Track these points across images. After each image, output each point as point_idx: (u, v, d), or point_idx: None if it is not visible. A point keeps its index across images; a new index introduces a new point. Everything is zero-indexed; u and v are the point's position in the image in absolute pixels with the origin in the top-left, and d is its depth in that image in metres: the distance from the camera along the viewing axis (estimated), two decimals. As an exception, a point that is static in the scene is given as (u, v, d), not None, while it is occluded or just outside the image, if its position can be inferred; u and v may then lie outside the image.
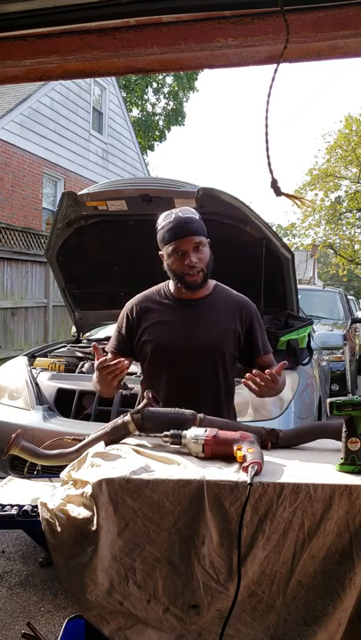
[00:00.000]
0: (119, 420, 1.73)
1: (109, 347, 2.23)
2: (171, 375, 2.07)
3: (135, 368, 3.57)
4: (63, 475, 1.57)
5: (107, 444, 1.67)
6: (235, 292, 2.22)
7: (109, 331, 4.82)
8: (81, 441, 1.75)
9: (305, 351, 3.84)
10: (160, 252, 2.10)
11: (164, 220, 2.05)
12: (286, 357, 3.31)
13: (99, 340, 4.55)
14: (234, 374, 2.20)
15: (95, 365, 1.95)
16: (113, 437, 1.71)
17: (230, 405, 2.21)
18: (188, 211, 2.06)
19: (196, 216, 2.06)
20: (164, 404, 1.89)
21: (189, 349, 2.06)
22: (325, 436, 1.76)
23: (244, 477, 1.40)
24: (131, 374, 3.49)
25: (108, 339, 4.45)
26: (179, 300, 2.13)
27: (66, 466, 1.61)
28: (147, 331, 2.12)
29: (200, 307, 2.11)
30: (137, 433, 1.73)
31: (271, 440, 1.73)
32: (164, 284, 2.21)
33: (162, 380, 2.08)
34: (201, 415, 1.72)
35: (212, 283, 2.18)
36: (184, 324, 2.10)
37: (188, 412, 1.73)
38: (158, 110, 21.36)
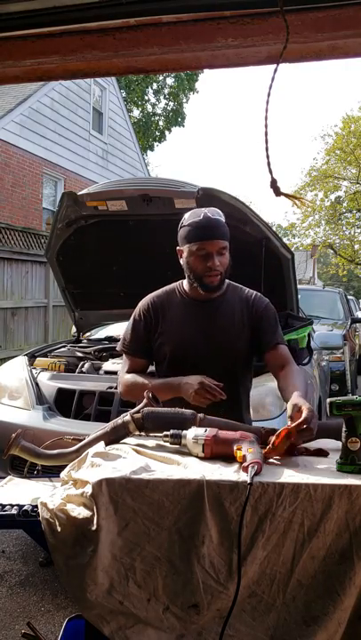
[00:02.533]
0: (119, 420, 1.73)
1: (124, 348, 2.17)
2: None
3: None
4: (63, 474, 1.57)
5: (107, 444, 1.67)
6: (247, 289, 2.20)
7: (109, 331, 4.83)
8: (81, 441, 1.75)
9: (305, 351, 3.84)
10: (179, 248, 2.07)
11: (191, 218, 2.02)
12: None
13: (99, 340, 4.56)
14: (250, 371, 2.21)
15: (199, 381, 1.88)
16: (113, 437, 1.71)
17: (248, 403, 2.21)
18: (216, 212, 2.03)
19: (223, 219, 2.04)
20: (186, 405, 1.89)
21: (209, 349, 2.06)
22: (326, 435, 1.76)
23: (244, 477, 1.41)
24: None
25: (108, 339, 4.51)
26: (194, 300, 2.11)
27: (66, 466, 1.61)
28: (165, 331, 2.10)
29: (215, 306, 2.11)
30: (137, 433, 1.73)
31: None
32: (177, 283, 2.18)
33: None
34: (201, 415, 1.72)
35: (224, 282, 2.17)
36: (202, 324, 2.09)
37: (187, 411, 1.73)
38: (158, 111, 21.38)
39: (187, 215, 2.06)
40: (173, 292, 2.17)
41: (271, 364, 2.10)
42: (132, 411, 1.75)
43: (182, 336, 2.09)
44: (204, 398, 1.88)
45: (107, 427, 1.74)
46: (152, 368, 2.22)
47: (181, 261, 2.08)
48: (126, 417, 1.72)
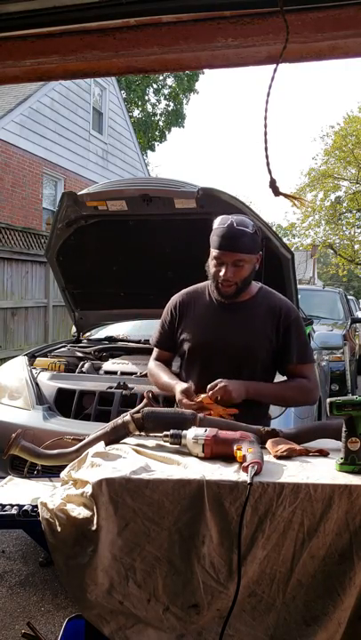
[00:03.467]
0: (119, 420, 1.73)
1: (153, 340, 2.32)
2: (204, 375, 2.07)
3: (135, 368, 3.58)
4: (63, 474, 1.57)
5: (107, 444, 1.67)
6: (279, 296, 2.19)
7: (109, 331, 4.84)
8: (81, 441, 1.75)
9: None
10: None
11: (218, 224, 2.03)
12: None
13: (99, 340, 4.56)
14: (270, 380, 2.18)
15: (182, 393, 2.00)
16: (113, 437, 1.71)
17: (262, 411, 2.18)
18: (243, 222, 2.01)
19: (250, 230, 2.00)
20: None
21: (223, 351, 2.07)
22: (326, 435, 1.76)
23: (244, 477, 1.41)
24: (130, 374, 3.50)
25: (108, 339, 4.50)
26: (219, 302, 2.12)
27: (66, 466, 1.61)
28: (186, 328, 2.16)
29: (239, 310, 2.11)
30: (137, 433, 1.73)
31: (270, 439, 1.73)
32: (207, 283, 2.20)
33: (195, 378, 2.10)
34: (201, 415, 1.72)
35: (256, 286, 2.17)
36: (221, 325, 2.11)
37: (187, 411, 1.74)
38: (159, 111, 21.37)
39: (218, 219, 2.06)
40: (203, 291, 2.19)
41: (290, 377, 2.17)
42: (132, 411, 1.75)
43: (200, 335, 2.13)
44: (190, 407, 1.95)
45: (107, 427, 1.74)
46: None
47: (207, 262, 2.10)
48: (126, 417, 1.72)
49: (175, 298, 2.24)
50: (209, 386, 1.93)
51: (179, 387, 2.02)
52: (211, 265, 2.06)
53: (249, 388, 1.99)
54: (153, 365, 2.28)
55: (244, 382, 1.99)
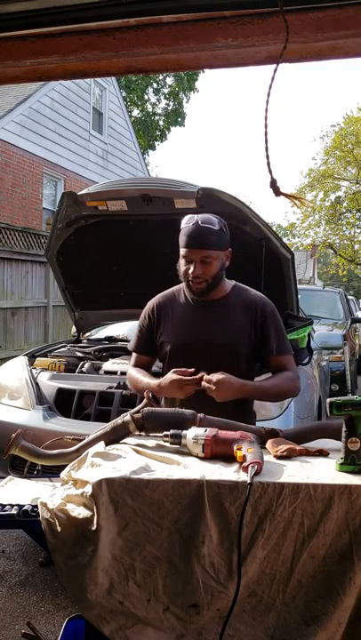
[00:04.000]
0: (119, 420, 1.73)
1: (131, 346, 2.30)
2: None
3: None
4: (63, 474, 1.57)
5: (107, 444, 1.67)
6: (253, 291, 2.22)
7: (109, 331, 4.84)
8: (81, 441, 1.75)
9: (305, 351, 3.83)
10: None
11: (185, 223, 2.07)
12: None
13: (99, 340, 4.56)
14: (252, 375, 2.20)
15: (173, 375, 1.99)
16: (113, 437, 1.71)
17: (248, 407, 2.20)
18: (208, 220, 2.04)
19: (216, 227, 2.04)
20: (180, 404, 1.92)
21: (205, 350, 2.08)
22: (326, 435, 1.76)
23: (244, 477, 1.41)
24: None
25: (108, 339, 4.51)
26: (196, 301, 2.14)
27: (66, 466, 1.61)
28: (165, 330, 2.16)
29: (216, 308, 2.13)
30: (137, 433, 1.73)
31: (270, 439, 1.73)
32: (184, 283, 2.21)
33: None
34: (201, 415, 1.72)
35: (230, 283, 2.20)
36: (200, 324, 2.12)
37: (187, 411, 1.73)
38: (159, 111, 21.37)
39: (185, 218, 2.09)
40: (179, 293, 2.21)
41: (272, 371, 2.17)
42: (132, 411, 1.75)
43: (180, 336, 2.13)
44: (187, 387, 1.94)
45: (107, 427, 1.74)
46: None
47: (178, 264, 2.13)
48: (126, 417, 1.72)
49: (152, 302, 2.25)
50: (207, 377, 1.93)
51: (169, 374, 2.00)
52: (181, 264, 2.09)
53: (245, 389, 2.00)
54: (133, 371, 2.24)
55: (241, 382, 1.98)
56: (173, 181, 3.40)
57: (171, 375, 1.98)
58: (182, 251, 2.06)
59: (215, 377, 1.92)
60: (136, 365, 2.27)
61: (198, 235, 2.02)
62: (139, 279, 3.85)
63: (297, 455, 1.63)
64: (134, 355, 2.29)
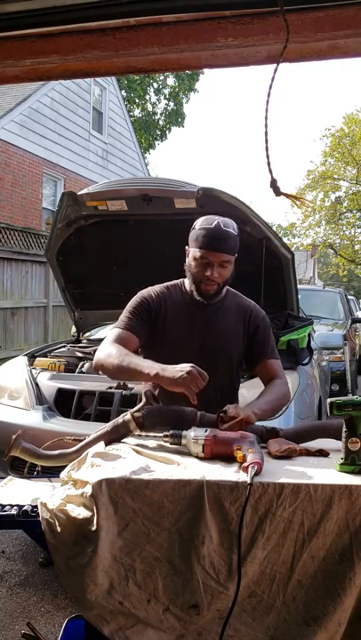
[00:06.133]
0: (120, 419, 1.73)
1: (120, 324, 2.07)
2: None
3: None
4: (63, 475, 1.57)
5: (107, 444, 1.67)
6: (245, 298, 2.23)
7: (109, 331, 4.83)
8: (81, 441, 1.75)
9: (305, 351, 3.84)
10: (187, 247, 2.08)
11: (203, 223, 2.03)
12: (286, 357, 3.31)
13: (99, 340, 4.56)
14: (239, 378, 2.22)
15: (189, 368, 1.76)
16: (114, 436, 1.71)
17: (234, 398, 2.22)
18: (229, 224, 2.03)
19: (235, 232, 2.03)
20: (169, 402, 1.88)
21: (198, 351, 2.06)
22: (325, 435, 1.76)
23: (244, 477, 1.40)
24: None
25: (107, 339, 4.50)
26: (194, 300, 2.12)
27: (66, 466, 1.61)
28: (161, 326, 2.11)
29: (212, 310, 2.12)
30: (137, 433, 1.73)
31: (271, 439, 1.73)
32: (179, 281, 2.19)
33: None
34: (201, 413, 1.72)
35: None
36: (196, 325, 2.10)
37: (188, 409, 1.73)
38: (159, 111, 21.37)
39: (201, 219, 2.06)
40: (175, 289, 2.17)
41: (261, 377, 2.17)
42: (133, 410, 1.75)
43: (175, 335, 2.10)
44: (194, 383, 1.74)
45: (107, 426, 1.74)
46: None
47: (186, 261, 2.09)
48: (127, 416, 1.72)
49: (148, 291, 2.14)
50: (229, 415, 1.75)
51: (185, 364, 1.77)
52: (193, 264, 2.04)
53: (257, 414, 1.86)
54: (115, 347, 1.95)
55: (252, 409, 1.86)
56: (173, 181, 3.40)
57: (187, 366, 1.75)
58: (199, 251, 2.00)
59: (243, 413, 1.76)
60: (121, 345, 1.99)
61: (221, 238, 1.99)
62: (139, 279, 3.84)
63: (297, 455, 1.63)
64: (119, 332, 2.04)
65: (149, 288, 2.18)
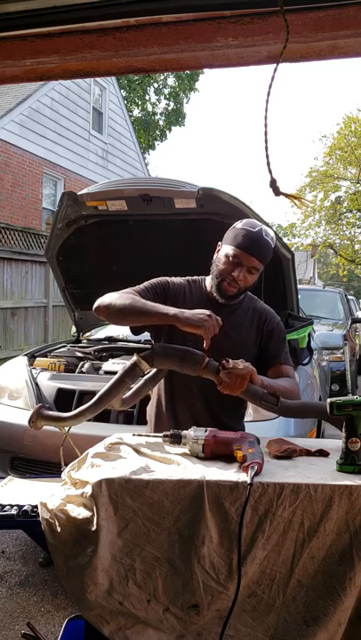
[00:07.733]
0: (128, 364, 1.73)
1: (136, 288, 2.04)
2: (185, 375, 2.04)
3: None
4: (63, 475, 1.57)
5: (122, 390, 1.69)
6: (262, 302, 2.23)
7: (109, 331, 4.83)
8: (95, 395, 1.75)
9: (305, 351, 3.84)
10: (220, 243, 2.06)
11: (246, 225, 2.02)
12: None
13: (99, 340, 4.56)
14: None
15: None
16: (128, 379, 1.72)
17: (243, 411, 2.22)
18: (270, 234, 2.04)
19: (273, 243, 2.03)
20: (181, 401, 1.92)
21: (210, 350, 2.05)
22: (324, 416, 1.75)
23: (244, 477, 1.40)
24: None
25: (108, 339, 4.51)
26: (210, 299, 2.10)
27: (65, 466, 1.61)
28: None
29: (229, 311, 2.10)
30: (148, 370, 1.74)
31: (270, 401, 1.74)
32: (200, 277, 2.17)
33: (175, 379, 2.07)
34: (209, 358, 1.73)
35: None
36: None
37: (197, 352, 1.74)
38: (159, 110, 21.38)
39: (244, 220, 2.06)
40: (195, 285, 2.16)
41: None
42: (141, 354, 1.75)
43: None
44: (212, 327, 1.80)
45: (118, 373, 1.74)
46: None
47: (215, 256, 2.07)
48: (134, 357, 1.72)
49: (173, 278, 2.15)
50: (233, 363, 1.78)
51: (200, 310, 1.82)
52: (222, 261, 2.02)
53: (263, 380, 1.88)
54: (125, 293, 1.95)
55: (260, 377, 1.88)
56: (173, 181, 3.39)
57: (206, 310, 1.81)
58: (233, 249, 1.98)
59: (250, 368, 1.78)
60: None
61: (260, 245, 1.98)
62: (139, 279, 3.85)
63: (297, 455, 1.63)
64: (129, 290, 2.01)
65: (171, 277, 2.17)
